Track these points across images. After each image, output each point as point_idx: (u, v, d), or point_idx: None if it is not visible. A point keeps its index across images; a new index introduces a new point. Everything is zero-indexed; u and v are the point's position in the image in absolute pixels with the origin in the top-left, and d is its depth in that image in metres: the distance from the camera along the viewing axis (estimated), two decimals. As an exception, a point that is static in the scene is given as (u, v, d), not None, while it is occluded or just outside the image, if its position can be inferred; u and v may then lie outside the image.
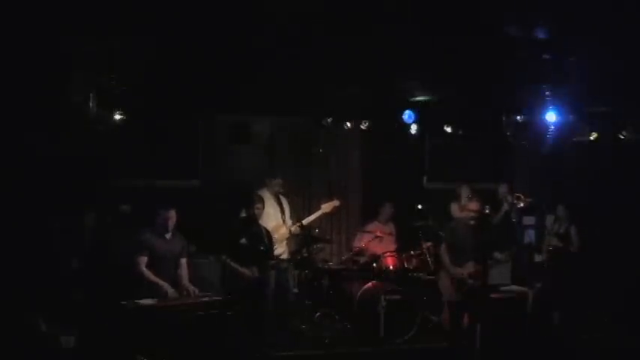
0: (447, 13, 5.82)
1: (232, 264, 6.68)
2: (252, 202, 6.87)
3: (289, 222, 7.73)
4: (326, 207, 7.90)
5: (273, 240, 7.39)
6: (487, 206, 7.21)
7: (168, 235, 6.39)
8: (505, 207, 8.49)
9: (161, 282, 6.15)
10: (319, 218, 8.05)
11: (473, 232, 6.73)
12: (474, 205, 6.73)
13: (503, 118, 8.19)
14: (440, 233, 8.13)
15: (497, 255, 6.64)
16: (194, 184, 9.10)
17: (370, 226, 8.68)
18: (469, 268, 6.58)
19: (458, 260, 6.73)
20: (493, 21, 6.02)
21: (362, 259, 8.31)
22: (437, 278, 7.48)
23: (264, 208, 7.09)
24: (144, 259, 6.21)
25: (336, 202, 7.98)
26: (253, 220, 6.85)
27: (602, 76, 7.01)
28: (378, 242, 8.37)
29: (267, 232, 7.05)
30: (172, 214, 6.39)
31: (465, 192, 8.80)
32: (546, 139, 8.09)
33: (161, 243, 6.33)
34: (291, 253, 7.76)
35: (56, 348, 5.75)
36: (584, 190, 8.84)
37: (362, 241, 8.52)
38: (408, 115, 8.79)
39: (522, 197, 8.44)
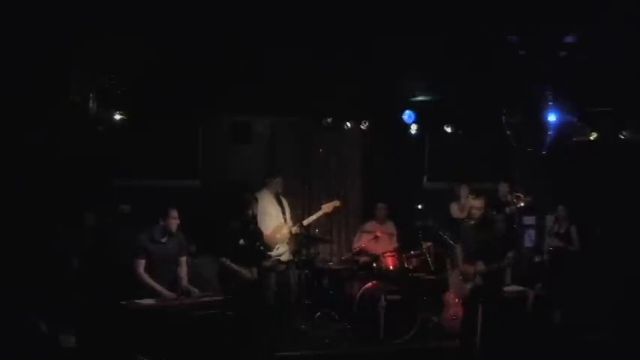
0: (447, 13, 5.82)
1: (232, 265, 6.68)
2: (247, 203, 6.85)
3: (290, 222, 7.73)
4: (326, 207, 7.90)
5: (275, 240, 7.42)
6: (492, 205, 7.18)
7: (164, 239, 6.34)
8: (507, 210, 8.47)
9: (158, 287, 6.14)
10: (319, 218, 8.05)
11: (480, 231, 6.66)
12: (478, 203, 6.66)
13: (503, 118, 8.19)
14: (440, 233, 8.14)
15: (510, 255, 6.60)
16: (194, 184, 9.10)
17: (368, 226, 8.68)
18: (479, 266, 6.53)
19: (470, 258, 6.68)
20: (493, 21, 6.02)
21: (362, 259, 8.31)
22: (449, 275, 7.51)
23: (257, 206, 7.08)
24: (142, 262, 6.18)
25: (336, 203, 7.98)
26: (250, 221, 6.84)
27: (602, 76, 7.01)
28: (375, 242, 8.38)
29: (260, 231, 7.04)
30: (176, 215, 6.37)
31: (464, 192, 8.80)
32: (546, 139, 8.09)
33: (157, 247, 6.28)
34: (293, 254, 7.75)
35: (56, 348, 5.75)
36: (584, 190, 8.84)
37: (360, 241, 8.52)
38: (408, 115, 8.80)
39: (522, 197, 8.44)
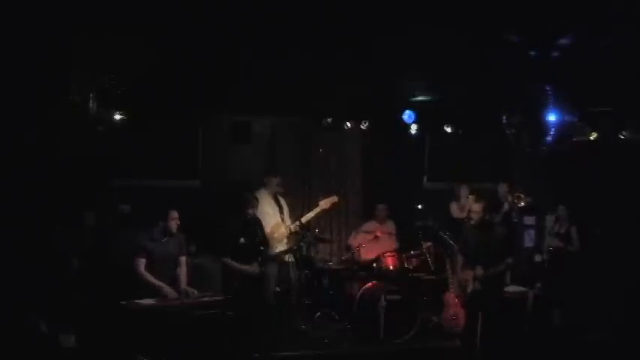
0: (447, 13, 5.82)
1: (235, 264, 6.68)
2: (247, 202, 6.85)
3: (288, 221, 7.72)
4: (324, 203, 7.85)
5: (273, 239, 7.42)
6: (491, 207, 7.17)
7: (164, 239, 6.37)
8: (505, 207, 8.48)
9: (160, 284, 6.15)
10: (318, 216, 8.02)
11: (480, 233, 6.66)
12: (476, 207, 6.68)
13: (504, 118, 8.19)
14: (440, 233, 8.14)
15: (509, 261, 6.60)
16: (194, 184, 9.10)
17: (367, 226, 8.68)
18: (477, 271, 6.52)
19: (469, 261, 6.67)
20: (493, 21, 6.02)
21: (361, 260, 8.30)
22: (449, 278, 7.53)
23: (258, 206, 7.09)
24: (142, 261, 6.21)
25: (334, 198, 7.93)
26: (250, 221, 6.85)
27: (602, 76, 7.01)
28: (375, 242, 8.38)
29: (262, 224, 7.06)
30: (176, 216, 6.39)
31: (464, 192, 8.81)
32: (546, 139, 8.08)
33: (157, 246, 6.31)
34: (291, 249, 7.73)
35: (56, 348, 5.75)
36: (584, 190, 8.84)
37: (356, 240, 8.52)
38: (408, 115, 8.80)
39: (522, 196, 8.43)
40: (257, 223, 6.99)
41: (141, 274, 6.18)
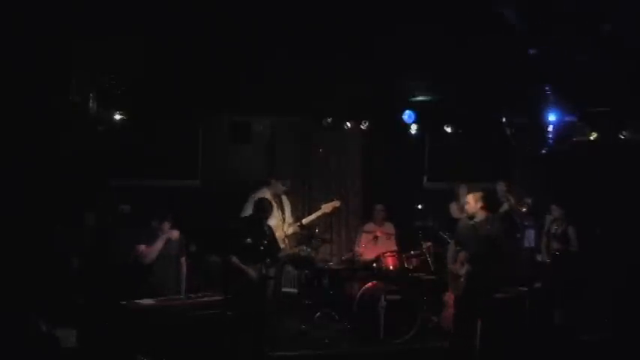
0: (447, 12, 5.83)
1: (240, 265, 6.65)
2: (265, 209, 6.84)
3: (290, 221, 7.71)
4: (326, 207, 7.87)
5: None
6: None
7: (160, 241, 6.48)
8: (505, 206, 8.48)
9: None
10: (319, 218, 8.02)
11: (473, 230, 6.66)
12: (471, 197, 6.65)
13: (503, 118, 8.19)
14: (440, 233, 8.14)
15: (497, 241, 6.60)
16: (194, 184, 9.10)
17: (367, 227, 8.68)
18: (464, 256, 6.52)
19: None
20: (494, 20, 6.02)
21: (362, 260, 8.31)
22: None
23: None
24: (141, 246, 6.51)
25: (336, 203, 7.95)
26: (260, 222, 6.82)
27: (602, 76, 7.01)
28: (374, 242, 8.38)
29: (271, 230, 7.03)
30: (165, 227, 6.53)
31: (464, 192, 8.79)
32: (546, 139, 8.09)
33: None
34: (293, 254, 7.73)
35: (56, 348, 5.75)
36: (584, 190, 8.83)
37: (361, 245, 8.52)
38: (408, 115, 8.80)
39: (525, 201, 8.43)
40: (267, 231, 6.94)
41: (140, 251, 6.43)
